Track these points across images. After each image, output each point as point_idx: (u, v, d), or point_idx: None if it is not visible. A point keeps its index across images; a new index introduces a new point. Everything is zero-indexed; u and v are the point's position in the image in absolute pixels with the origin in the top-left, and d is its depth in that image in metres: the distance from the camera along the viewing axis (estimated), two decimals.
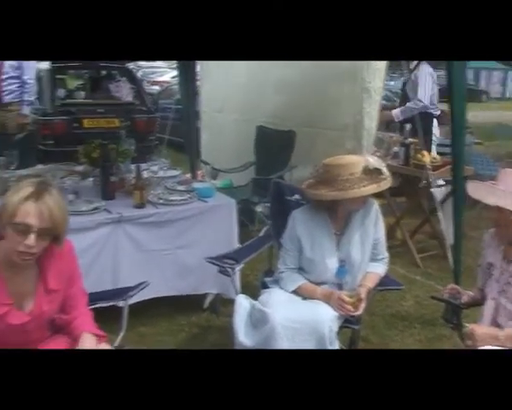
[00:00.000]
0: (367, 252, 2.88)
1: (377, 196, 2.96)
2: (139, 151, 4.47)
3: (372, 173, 2.77)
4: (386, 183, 2.81)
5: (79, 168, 4.17)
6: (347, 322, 2.82)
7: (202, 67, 6.39)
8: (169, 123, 8.44)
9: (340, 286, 2.86)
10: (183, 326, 3.86)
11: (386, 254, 2.99)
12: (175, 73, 15.73)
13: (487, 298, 2.49)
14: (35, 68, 6.44)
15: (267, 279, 3.09)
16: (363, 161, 2.78)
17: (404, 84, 5.98)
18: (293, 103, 5.38)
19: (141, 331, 3.65)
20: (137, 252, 3.57)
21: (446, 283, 3.08)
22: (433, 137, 5.92)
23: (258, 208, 5.20)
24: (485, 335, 2.30)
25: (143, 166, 4.04)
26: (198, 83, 6.14)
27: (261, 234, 4.63)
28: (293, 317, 2.61)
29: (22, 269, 2.13)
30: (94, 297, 2.47)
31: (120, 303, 2.63)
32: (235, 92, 6.15)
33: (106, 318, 2.46)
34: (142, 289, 2.71)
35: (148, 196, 3.70)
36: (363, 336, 3.28)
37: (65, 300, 2.28)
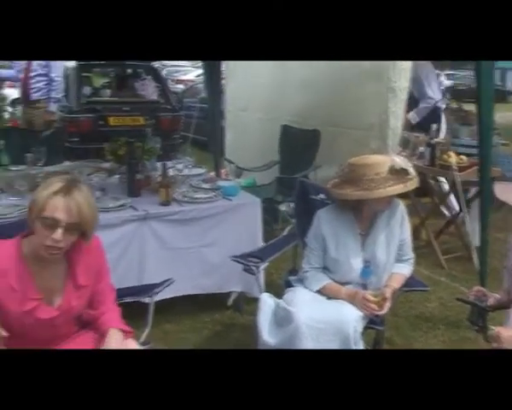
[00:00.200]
0: (392, 253, 2.87)
1: (402, 196, 2.94)
2: (164, 149, 4.50)
3: (398, 174, 2.76)
4: (413, 183, 2.80)
5: (106, 165, 4.22)
6: (372, 323, 2.81)
7: (227, 65, 6.41)
8: (193, 121, 8.50)
9: (364, 286, 2.85)
10: (207, 324, 3.87)
11: (411, 255, 2.97)
12: (199, 71, 15.83)
13: None
14: (62, 66, 6.54)
15: (291, 278, 3.09)
16: (390, 161, 2.77)
17: None
18: (318, 102, 5.36)
19: (165, 328, 3.67)
20: (162, 249, 3.59)
21: (471, 285, 3.05)
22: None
23: (282, 207, 5.20)
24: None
25: (169, 164, 4.06)
26: (223, 81, 6.15)
27: (285, 233, 4.65)
28: (318, 317, 2.60)
29: (51, 264, 2.16)
30: (121, 293, 2.50)
31: (146, 300, 2.66)
32: (260, 91, 6.15)
33: (131, 314, 2.48)
34: (167, 286, 2.73)
35: (174, 194, 3.72)
36: (387, 338, 3.26)
37: (93, 295, 2.30)
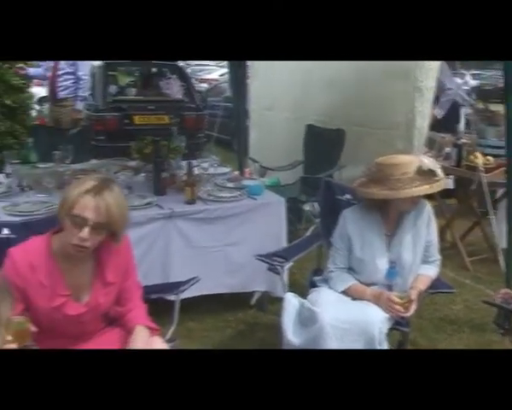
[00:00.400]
0: (418, 254, 2.85)
1: (428, 197, 2.92)
2: (188, 148, 4.52)
3: (426, 174, 2.74)
4: (440, 185, 2.78)
5: (132, 164, 4.24)
6: (397, 324, 2.79)
7: (252, 64, 6.41)
8: (217, 121, 8.52)
9: (389, 288, 2.84)
10: (230, 323, 3.88)
11: (438, 257, 2.95)
12: (223, 70, 15.87)
13: None
14: (89, 65, 6.61)
15: (316, 278, 3.09)
16: (417, 162, 2.75)
17: None
18: (344, 102, 5.34)
19: (189, 326, 3.68)
20: (187, 248, 3.61)
21: (496, 287, 3.02)
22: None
23: (306, 207, 5.19)
24: None
25: (194, 162, 4.08)
26: (248, 80, 6.16)
27: (308, 233, 4.63)
28: (343, 317, 2.60)
29: (80, 261, 2.19)
30: (147, 290, 2.52)
31: (172, 297, 2.68)
32: (285, 90, 6.14)
33: (155, 311, 2.49)
34: (193, 284, 2.75)
35: (199, 193, 3.74)
36: (411, 339, 3.24)
37: (120, 292, 2.33)
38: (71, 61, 6.12)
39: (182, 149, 4.26)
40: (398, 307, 2.67)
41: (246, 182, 4.13)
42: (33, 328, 2.03)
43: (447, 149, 5.06)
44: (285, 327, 2.73)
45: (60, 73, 6.19)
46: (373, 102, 5.08)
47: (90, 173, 2.49)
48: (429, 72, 4.68)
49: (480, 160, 4.71)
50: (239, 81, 5.47)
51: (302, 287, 3.37)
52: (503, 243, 4.14)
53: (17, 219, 2.95)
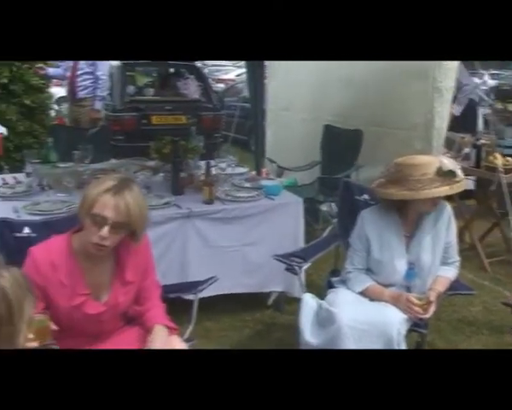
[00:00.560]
0: (438, 255, 2.83)
1: (447, 198, 2.90)
2: (205, 148, 4.53)
3: (445, 175, 2.72)
4: (460, 186, 2.76)
5: (151, 164, 4.26)
6: (415, 325, 2.78)
7: (270, 65, 6.41)
8: (234, 121, 8.53)
9: (408, 289, 2.82)
10: (248, 323, 3.89)
11: (457, 258, 2.93)
12: (240, 71, 15.88)
13: None
14: (108, 65, 6.66)
15: (333, 279, 3.08)
16: (437, 162, 2.73)
17: None
18: (361, 102, 5.31)
19: (206, 326, 3.69)
20: (205, 247, 3.63)
21: None
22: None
23: (324, 207, 5.18)
24: None
25: (211, 162, 4.09)
26: (265, 81, 6.15)
27: (325, 233, 4.62)
28: (361, 318, 2.59)
29: (100, 261, 2.21)
30: (165, 289, 2.53)
31: (191, 297, 2.69)
32: (303, 90, 6.12)
33: (173, 310, 2.50)
34: (211, 283, 2.76)
35: (216, 193, 3.75)
36: (429, 341, 3.22)
37: (139, 291, 2.34)
38: (90, 61, 6.16)
39: (200, 149, 4.27)
40: (416, 308, 2.65)
41: (263, 182, 4.13)
42: (53, 326, 2.06)
43: (466, 150, 5.02)
44: (303, 328, 2.72)
45: (79, 72, 6.26)
46: (391, 102, 5.05)
47: (109, 173, 2.50)
48: (448, 72, 4.63)
49: (499, 160, 4.67)
50: (256, 81, 5.46)
51: (319, 288, 3.37)
52: None
53: (37, 218, 2.98)
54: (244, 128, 9.42)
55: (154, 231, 3.36)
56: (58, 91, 9.14)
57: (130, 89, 8.26)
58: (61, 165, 4.09)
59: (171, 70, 8.85)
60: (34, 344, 1.91)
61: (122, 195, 2.09)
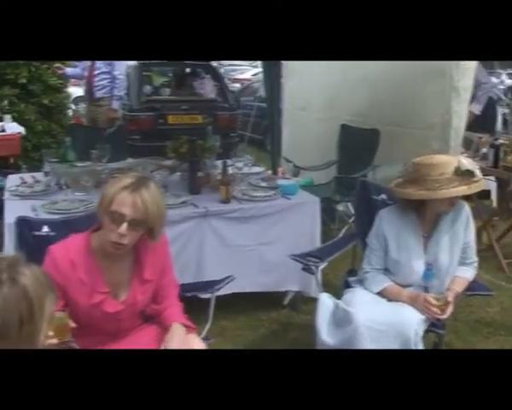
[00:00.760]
0: (456, 256, 2.81)
1: (465, 198, 2.88)
2: (221, 147, 4.54)
3: (463, 175, 2.70)
4: (478, 186, 2.73)
5: (168, 163, 4.28)
6: (433, 326, 2.76)
7: (287, 64, 6.40)
8: (250, 120, 8.54)
9: (426, 289, 2.81)
10: (263, 322, 3.89)
11: (475, 259, 2.90)
12: (256, 70, 15.89)
13: None
14: (125, 64, 6.69)
15: (350, 279, 3.07)
16: (455, 162, 2.72)
17: None
18: (378, 101, 5.29)
19: (222, 325, 3.70)
20: (221, 246, 3.63)
21: None
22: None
23: (340, 207, 5.17)
24: None
25: (228, 162, 4.10)
26: (282, 80, 6.15)
27: (341, 234, 4.62)
28: (379, 318, 2.58)
29: (119, 259, 2.22)
30: (183, 288, 2.55)
31: (208, 296, 2.69)
32: (319, 90, 6.11)
33: (189, 309, 2.51)
34: (228, 282, 2.76)
35: (233, 192, 3.75)
36: (446, 342, 3.19)
37: (157, 290, 2.35)
38: (107, 61, 6.20)
39: (216, 148, 4.28)
40: (434, 308, 2.63)
41: (280, 181, 4.13)
42: (72, 324, 2.07)
43: (484, 150, 4.98)
44: (319, 327, 2.72)
45: (96, 72, 6.29)
46: (408, 101, 5.02)
47: (126, 172, 2.52)
48: (466, 71, 4.59)
49: None
50: (273, 80, 5.46)
51: (335, 287, 3.37)
52: None
53: (56, 216, 3.00)
54: (260, 128, 9.42)
55: (171, 230, 3.38)
56: (75, 91, 9.22)
57: (147, 89, 8.31)
58: (79, 164, 4.12)
59: (188, 70, 8.89)
60: (53, 341, 1.93)
61: (139, 192, 2.10)
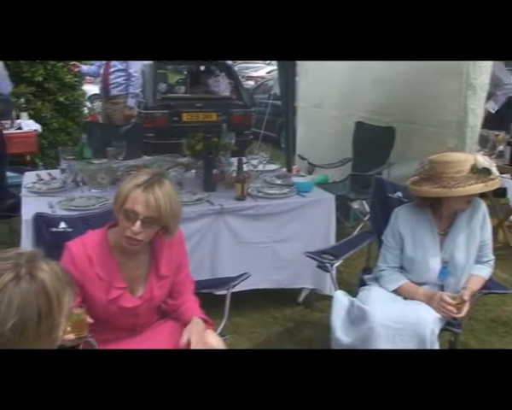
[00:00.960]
0: (472, 254, 2.79)
1: (481, 196, 2.86)
2: (236, 145, 4.55)
3: (480, 173, 2.68)
4: (494, 183, 2.72)
5: (183, 160, 4.29)
6: (449, 325, 2.75)
7: (300, 62, 6.38)
8: (264, 118, 8.54)
9: (441, 288, 2.80)
10: (277, 319, 3.89)
11: (491, 257, 2.88)
12: (270, 68, 15.89)
13: None
14: (140, 62, 6.72)
15: (366, 277, 3.06)
16: (472, 160, 2.70)
17: None
18: (394, 99, 5.25)
19: (236, 321, 3.70)
20: (236, 243, 3.64)
21: None
22: None
23: (355, 205, 5.15)
24: None
25: (243, 159, 4.11)
26: (296, 78, 6.14)
27: (356, 232, 4.61)
28: (394, 317, 2.57)
29: (135, 254, 2.23)
30: (198, 285, 2.55)
31: (223, 292, 2.70)
32: (334, 87, 6.08)
33: (203, 305, 2.51)
34: (243, 279, 2.76)
35: (248, 189, 3.76)
36: (462, 341, 3.19)
37: (173, 285, 2.36)
38: None
39: (231, 145, 4.29)
40: (450, 307, 2.62)
41: (295, 179, 4.12)
42: (90, 320, 2.09)
43: (500, 148, 4.94)
44: (334, 325, 2.72)
45: (111, 70, 6.32)
46: (424, 99, 4.98)
47: (142, 169, 2.53)
48: (482, 69, 4.55)
49: None
50: (288, 78, 5.46)
51: (349, 285, 3.37)
52: None
53: (73, 213, 3.03)
54: (275, 125, 9.42)
55: (187, 227, 3.38)
56: (91, 89, 9.28)
57: (162, 86, 8.34)
58: (95, 161, 4.13)
59: (202, 68, 8.90)
60: (71, 337, 1.95)
61: (152, 190, 2.11)
